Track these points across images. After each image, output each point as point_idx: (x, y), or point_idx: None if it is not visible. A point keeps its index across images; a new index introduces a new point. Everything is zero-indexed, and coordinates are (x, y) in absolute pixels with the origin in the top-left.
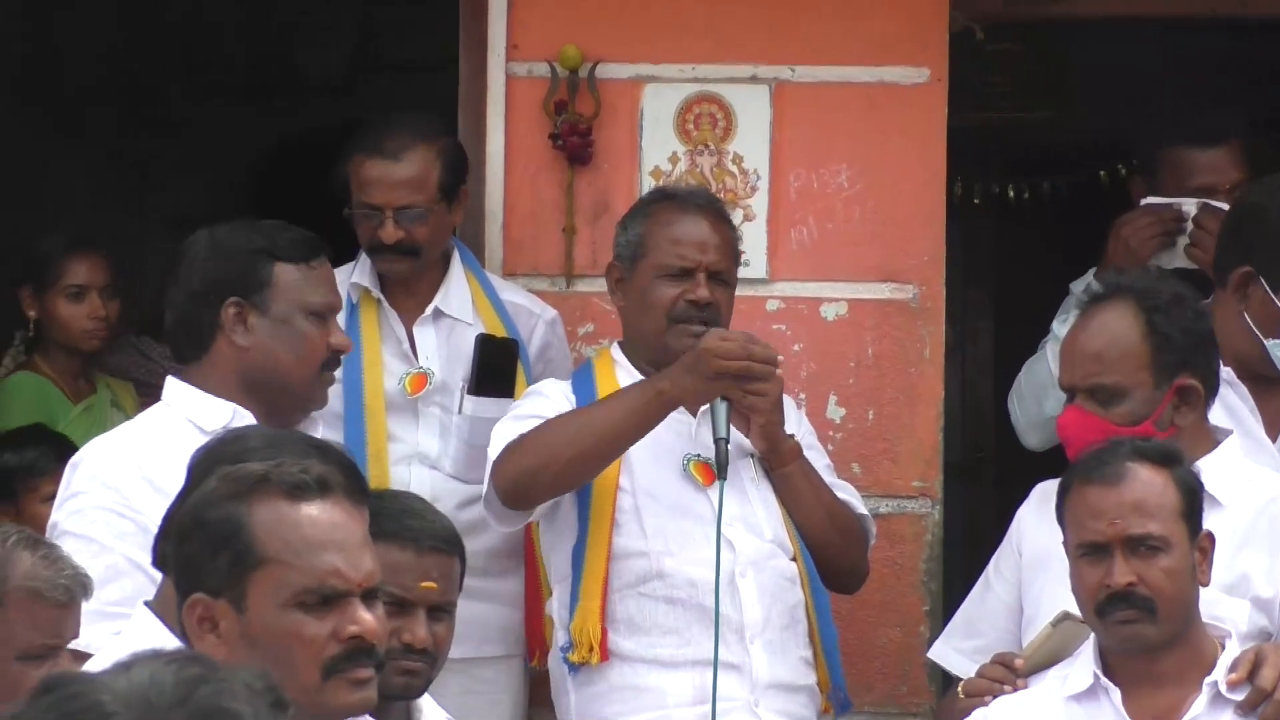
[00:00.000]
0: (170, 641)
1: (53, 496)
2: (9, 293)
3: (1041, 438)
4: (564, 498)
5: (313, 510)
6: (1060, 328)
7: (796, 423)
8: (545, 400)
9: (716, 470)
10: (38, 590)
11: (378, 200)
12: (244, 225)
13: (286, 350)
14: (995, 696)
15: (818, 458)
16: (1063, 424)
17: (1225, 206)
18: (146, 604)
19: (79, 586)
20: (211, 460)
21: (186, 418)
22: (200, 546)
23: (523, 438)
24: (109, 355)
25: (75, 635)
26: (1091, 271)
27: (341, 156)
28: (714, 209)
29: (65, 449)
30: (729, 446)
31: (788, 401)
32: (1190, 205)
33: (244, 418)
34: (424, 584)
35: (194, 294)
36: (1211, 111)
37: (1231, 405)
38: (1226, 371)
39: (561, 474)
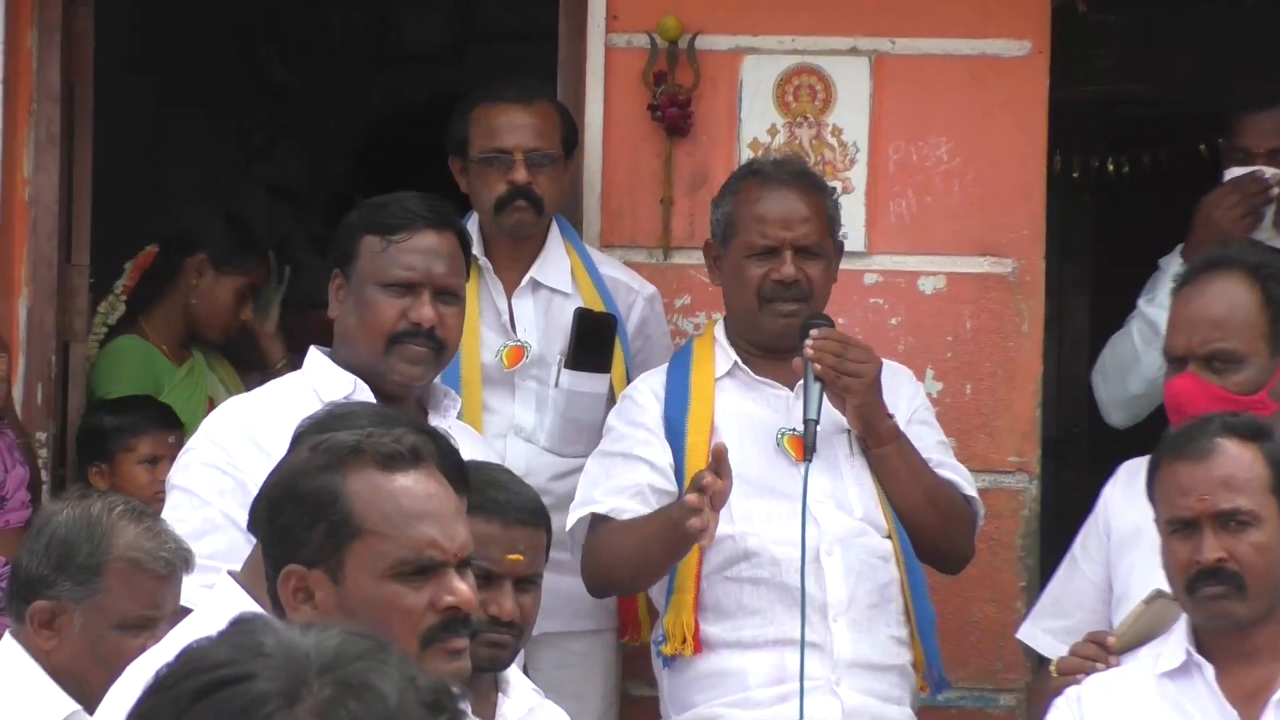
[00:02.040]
0: (250, 609)
1: (148, 459)
2: (127, 248)
3: (1126, 415)
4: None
5: (407, 481)
6: (1147, 306)
7: (911, 397)
8: (631, 419)
9: (805, 452)
10: (138, 561)
11: (508, 144)
12: (374, 197)
13: (356, 321)
14: (1088, 674)
15: (929, 433)
16: (1175, 390)
17: None
18: (231, 574)
19: (180, 560)
20: (309, 432)
21: (311, 386)
22: (295, 517)
23: (590, 546)
24: None
25: (175, 607)
26: (1178, 250)
27: (455, 119)
28: (801, 181)
29: (167, 415)
30: (822, 423)
31: (905, 375)
32: (1269, 172)
33: (364, 391)
34: (510, 556)
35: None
36: (1267, 75)
37: None
38: None
39: (626, 588)
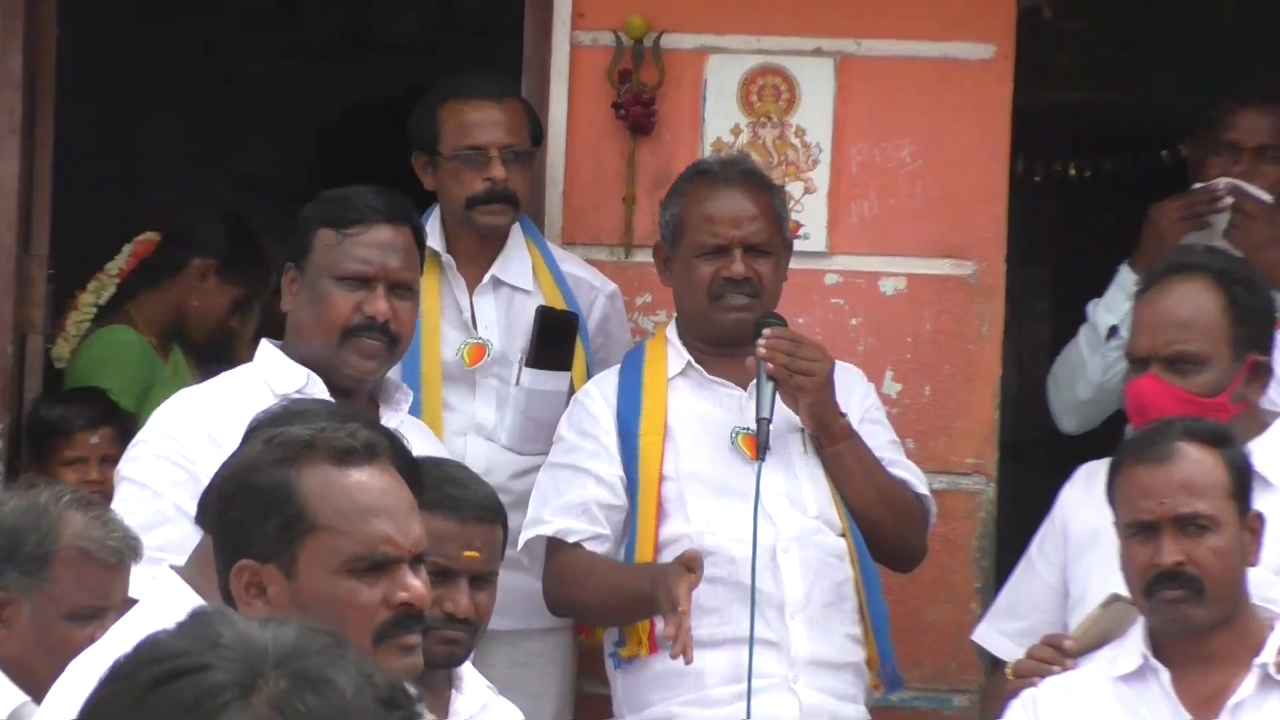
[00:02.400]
0: (195, 604)
1: (74, 461)
2: (102, 232)
3: (1077, 421)
4: (621, 495)
5: (362, 476)
6: (1094, 311)
7: (863, 397)
8: (582, 428)
9: (759, 451)
10: (87, 551)
11: (483, 140)
12: (330, 190)
13: (310, 314)
14: (1044, 677)
15: (881, 432)
16: (1137, 391)
17: (1264, 195)
18: (173, 567)
19: (128, 549)
20: (263, 427)
21: (264, 379)
22: (247, 512)
23: (557, 577)
24: None
25: (124, 597)
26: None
27: (421, 114)
28: (749, 180)
29: (109, 412)
30: (775, 422)
31: (856, 374)
32: (1223, 183)
33: (316, 384)
34: (467, 553)
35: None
36: (1260, 73)
37: None
38: None
39: (597, 621)
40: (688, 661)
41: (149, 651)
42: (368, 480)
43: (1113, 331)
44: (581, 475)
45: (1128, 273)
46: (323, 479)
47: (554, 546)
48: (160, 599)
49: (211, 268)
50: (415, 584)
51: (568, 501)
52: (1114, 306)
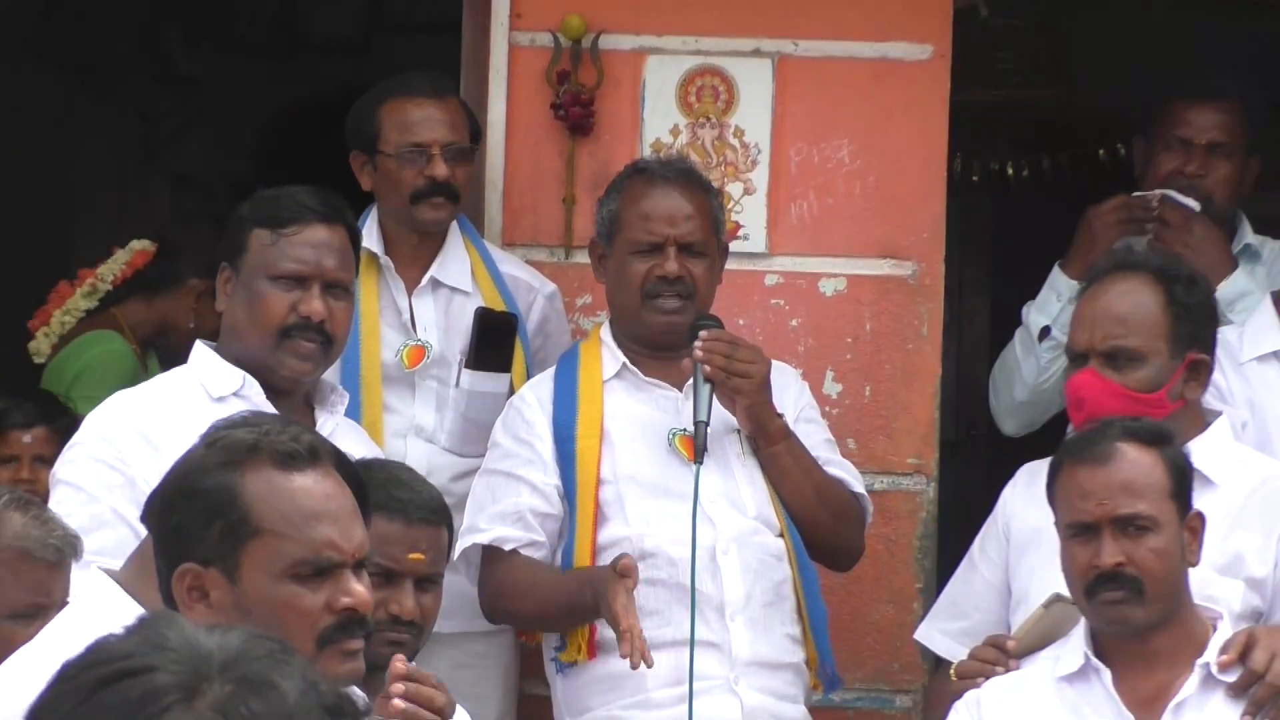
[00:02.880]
0: (131, 609)
1: (6, 459)
2: (26, 237)
3: (1016, 423)
4: (556, 504)
5: (306, 480)
6: (1028, 313)
7: (798, 396)
8: (517, 434)
9: (696, 453)
10: (27, 550)
11: (425, 138)
12: (264, 190)
13: (245, 315)
14: (987, 678)
15: (817, 431)
16: (1075, 385)
17: (1192, 203)
18: (106, 571)
19: (69, 547)
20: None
21: (199, 381)
22: (191, 515)
23: (493, 584)
24: None
25: (65, 595)
26: (1059, 263)
27: (360, 113)
28: (686, 179)
29: (47, 412)
30: (712, 424)
31: (791, 375)
32: (1155, 194)
33: (252, 385)
34: (412, 555)
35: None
36: (1211, 70)
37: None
38: None
39: (535, 628)
40: (649, 666)
41: (96, 653)
42: (311, 485)
43: (1045, 332)
44: (516, 483)
45: (1060, 275)
46: (267, 483)
47: (490, 555)
48: (90, 602)
49: (209, 290)
50: (358, 589)
51: (503, 509)
52: (1046, 308)
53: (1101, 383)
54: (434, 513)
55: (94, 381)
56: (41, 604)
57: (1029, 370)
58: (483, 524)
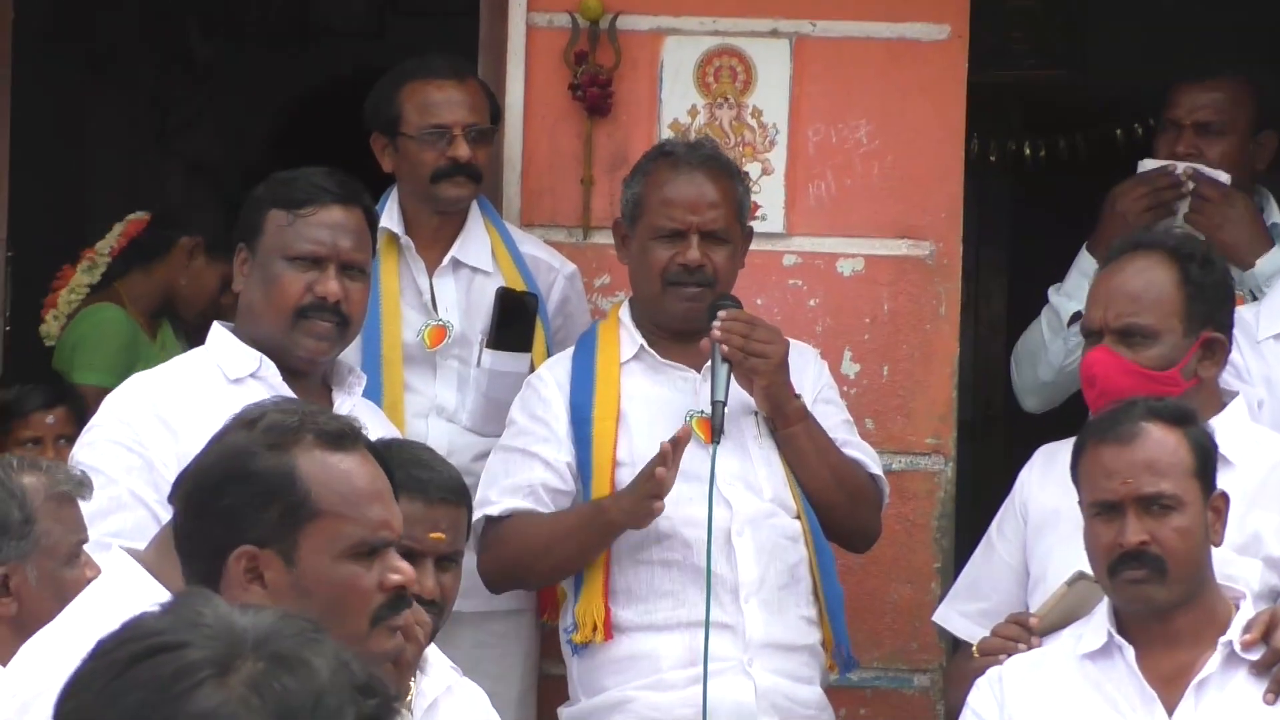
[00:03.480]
0: (154, 589)
1: (29, 441)
2: (41, 222)
3: (1038, 402)
4: (569, 480)
5: (353, 461)
6: (1055, 295)
7: (816, 376)
8: (533, 412)
9: (713, 433)
10: (58, 494)
11: (447, 119)
12: (281, 172)
13: (261, 295)
14: (1010, 655)
15: (835, 412)
16: (1089, 363)
17: (1222, 175)
18: (128, 551)
19: (79, 484)
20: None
21: (216, 363)
22: (245, 498)
23: (495, 544)
24: None
25: (85, 533)
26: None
27: (381, 95)
28: (711, 165)
29: (63, 393)
30: (730, 405)
31: (810, 354)
32: (1181, 167)
33: (269, 367)
34: (433, 535)
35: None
36: (1211, 53)
37: None
38: None
39: (537, 581)
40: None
41: (131, 630)
42: (359, 466)
43: (1075, 317)
44: (530, 459)
45: (1087, 257)
46: (320, 465)
47: (493, 521)
48: (114, 582)
49: (200, 245)
50: (406, 566)
51: (515, 483)
52: (1075, 292)
53: (1114, 360)
54: (453, 492)
55: (90, 349)
56: (83, 539)
57: (1055, 352)
58: (494, 497)
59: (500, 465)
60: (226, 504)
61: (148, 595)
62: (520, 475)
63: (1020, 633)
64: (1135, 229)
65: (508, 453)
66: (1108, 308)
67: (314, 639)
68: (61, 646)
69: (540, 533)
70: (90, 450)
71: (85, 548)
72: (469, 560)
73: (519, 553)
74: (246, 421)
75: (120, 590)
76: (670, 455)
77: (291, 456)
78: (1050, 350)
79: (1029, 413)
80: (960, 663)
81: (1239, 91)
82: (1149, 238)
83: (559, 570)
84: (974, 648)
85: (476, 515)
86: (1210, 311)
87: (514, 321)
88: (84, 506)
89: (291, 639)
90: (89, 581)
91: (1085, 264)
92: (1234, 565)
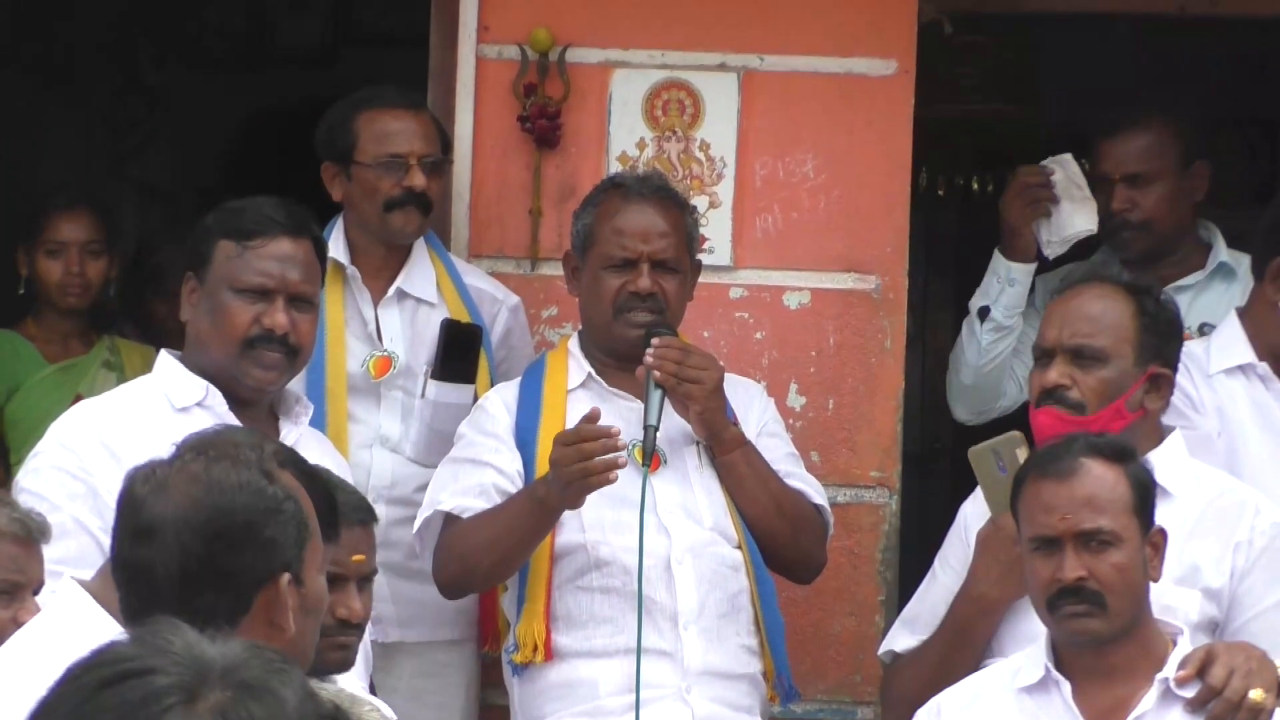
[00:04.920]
0: (102, 619)
1: None
2: (9, 252)
3: (965, 408)
4: (504, 490)
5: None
6: (973, 301)
7: (761, 410)
8: (482, 428)
9: (644, 456)
10: None
11: (403, 149)
12: (231, 201)
13: (209, 325)
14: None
15: (779, 445)
16: (1038, 427)
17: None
18: (78, 581)
19: (36, 528)
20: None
21: (162, 391)
22: (278, 529)
23: (443, 545)
24: None
25: (40, 578)
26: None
27: (334, 124)
28: (662, 196)
29: None
30: (671, 434)
31: (755, 390)
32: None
33: (215, 396)
34: (355, 557)
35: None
36: (1124, 102)
37: (1262, 403)
38: (1262, 367)
39: (488, 576)
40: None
41: (100, 655)
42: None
43: (985, 313)
44: (481, 466)
45: (1000, 260)
46: (296, 487)
47: (445, 525)
48: (63, 612)
49: (19, 248)
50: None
51: (465, 485)
52: (987, 290)
53: (1062, 423)
54: (366, 512)
55: None
56: (15, 581)
57: (971, 352)
58: (444, 497)
59: (449, 474)
60: (269, 536)
61: (96, 625)
62: (471, 479)
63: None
64: (1021, 232)
65: (457, 464)
66: (1063, 327)
67: (281, 669)
68: (8, 675)
69: (483, 527)
70: (34, 477)
71: None
72: (412, 590)
73: (466, 550)
74: (205, 460)
75: (68, 620)
76: (596, 424)
77: (280, 483)
78: (967, 351)
79: (973, 444)
80: (894, 677)
81: (1162, 133)
82: (1104, 273)
83: (505, 563)
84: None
85: (427, 512)
86: (1160, 346)
87: (458, 353)
88: None
89: (259, 669)
90: (17, 625)
91: (998, 265)
92: (1173, 596)
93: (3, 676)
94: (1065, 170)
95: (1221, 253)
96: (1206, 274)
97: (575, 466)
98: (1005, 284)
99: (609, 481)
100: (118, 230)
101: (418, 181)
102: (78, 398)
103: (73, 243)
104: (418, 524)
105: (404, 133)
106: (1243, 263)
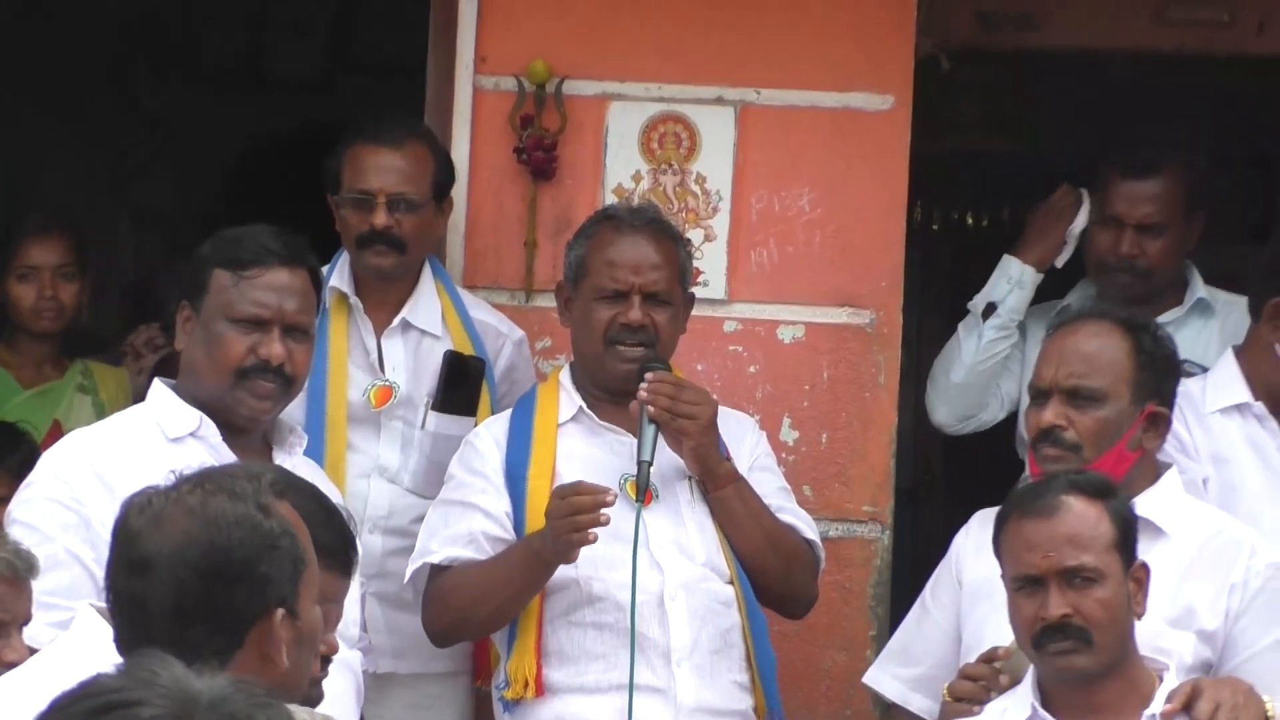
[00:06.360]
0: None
1: None
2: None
3: (948, 410)
4: (509, 529)
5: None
6: (975, 301)
7: (754, 445)
8: (472, 467)
9: (638, 492)
10: None
11: (372, 185)
12: (227, 230)
13: (204, 354)
14: (983, 702)
15: (771, 480)
16: (1037, 471)
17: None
18: (95, 606)
19: (24, 564)
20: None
21: (156, 421)
22: (274, 564)
23: (435, 595)
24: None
25: (27, 614)
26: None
27: (335, 154)
28: (655, 228)
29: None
30: (663, 469)
31: (748, 424)
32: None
33: (209, 426)
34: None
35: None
36: (1146, 144)
37: (1259, 443)
38: (1258, 407)
39: (482, 626)
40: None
41: (89, 687)
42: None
43: (990, 309)
44: (469, 510)
45: (1014, 262)
46: (293, 518)
47: (435, 573)
48: (86, 637)
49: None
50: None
51: (455, 533)
52: (994, 288)
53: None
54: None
55: None
56: (1, 619)
57: (969, 349)
58: (434, 546)
59: (439, 518)
60: (264, 571)
61: (114, 654)
62: (460, 526)
63: (989, 671)
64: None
65: (446, 506)
66: (1059, 366)
67: (266, 704)
68: (24, 700)
69: (479, 578)
70: (27, 507)
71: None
72: (404, 621)
73: (461, 602)
74: (205, 494)
75: (90, 647)
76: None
77: (277, 515)
78: (964, 348)
79: (969, 478)
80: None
81: (1177, 182)
82: (1101, 308)
83: (500, 614)
84: (945, 691)
85: (417, 564)
86: (1158, 384)
87: (460, 385)
88: None
89: (244, 703)
90: (3, 663)
91: (1010, 266)
92: (1166, 638)
93: (16, 698)
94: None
95: (1199, 289)
96: (1184, 310)
97: (564, 521)
98: (1015, 286)
99: (589, 541)
100: (90, 253)
101: (379, 220)
102: (55, 423)
103: (45, 266)
104: (409, 573)
105: (375, 169)
106: (1219, 299)
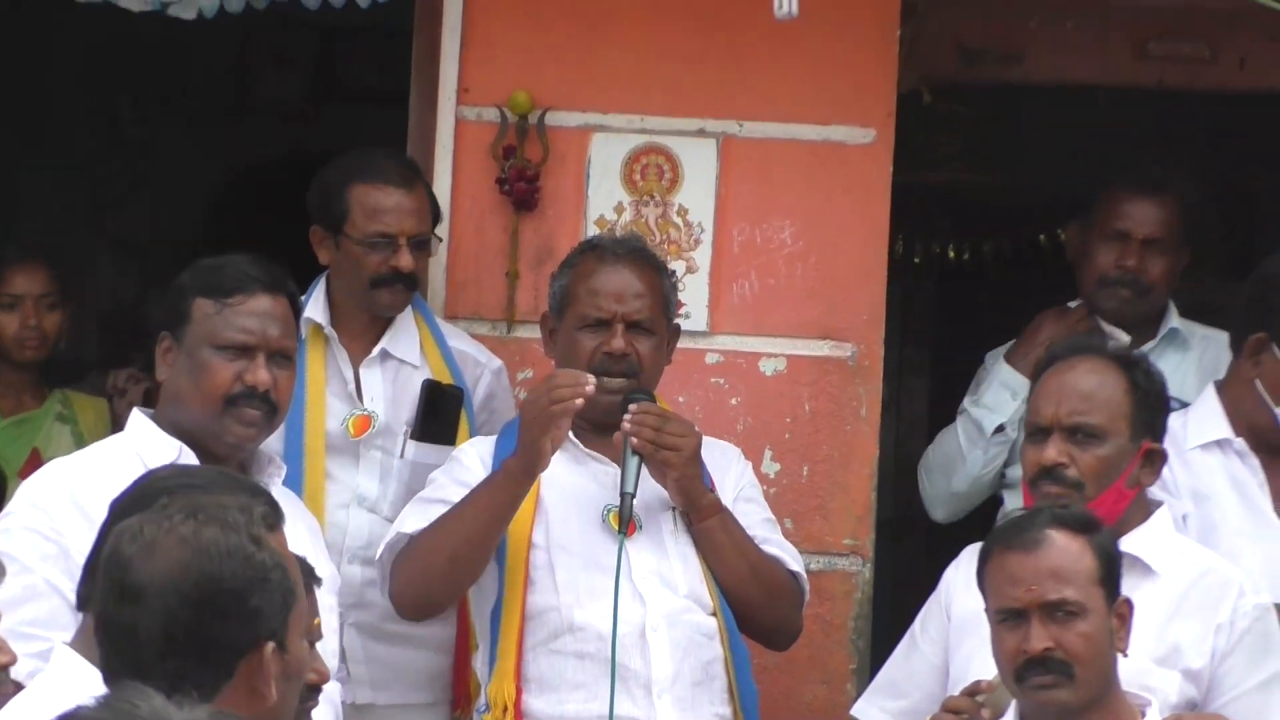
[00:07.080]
0: (96, 680)
1: None
2: None
3: (948, 511)
4: None
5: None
6: (973, 407)
7: (739, 475)
8: (455, 476)
9: (620, 523)
10: None
11: (394, 229)
12: (205, 259)
13: (189, 383)
14: None
15: (757, 510)
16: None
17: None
18: (69, 645)
19: None
20: (128, 507)
21: (135, 451)
22: (264, 597)
23: (403, 555)
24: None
25: None
26: (1002, 349)
27: (327, 190)
28: (638, 258)
29: None
30: (646, 500)
31: (733, 454)
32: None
33: (188, 456)
34: (315, 620)
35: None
36: (1153, 163)
37: (1239, 479)
38: (1238, 443)
39: (446, 578)
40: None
41: (68, 719)
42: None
43: (999, 430)
44: (447, 506)
45: (1009, 370)
46: (283, 551)
47: (404, 545)
48: (62, 676)
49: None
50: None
51: (430, 515)
52: (1000, 406)
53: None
54: (310, 575)
55: None
56: None
57: (974, 462)
58: (409, 523)
59: (417, 510)
60: (254, 605)
61: (95, 689)
62: (436, 512)
63: (970, 704)
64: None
65: (424, 502)
66: (1059, 404)
67: None
68: None
69: (444, 519)
70: (6, 537)
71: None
72: (386, 652)
73: (426, 547)
74: (196, 524)
75: (70, 684)
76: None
77: (269, 548)
78: (969, 461)
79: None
80: None
81: (1179, 206)
82: (1093, 344)
83: (467, 557)
84: None
85: (390, 535)
86: (1152, 420)
87: (439, 414)
88: None
89: None
90: None
91: (1009, 378)
92: (1153, 677)
93: None
94: None
95: (1173, 319)
96: (1158, 341)
97: (543, 396)
98: (1022, 400)
99: (572, 410)
100: (71, 282)
101: (404, 263)
102: (34, 452)
103: (28, 295)
104: (380, 549)
105: (395, 211)
106: (1196, 332)
